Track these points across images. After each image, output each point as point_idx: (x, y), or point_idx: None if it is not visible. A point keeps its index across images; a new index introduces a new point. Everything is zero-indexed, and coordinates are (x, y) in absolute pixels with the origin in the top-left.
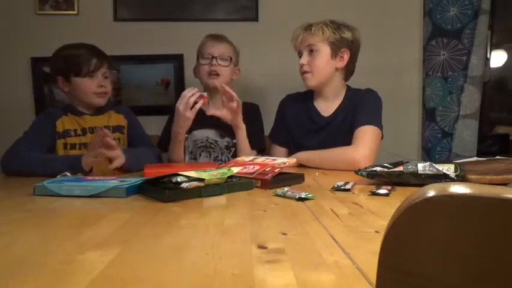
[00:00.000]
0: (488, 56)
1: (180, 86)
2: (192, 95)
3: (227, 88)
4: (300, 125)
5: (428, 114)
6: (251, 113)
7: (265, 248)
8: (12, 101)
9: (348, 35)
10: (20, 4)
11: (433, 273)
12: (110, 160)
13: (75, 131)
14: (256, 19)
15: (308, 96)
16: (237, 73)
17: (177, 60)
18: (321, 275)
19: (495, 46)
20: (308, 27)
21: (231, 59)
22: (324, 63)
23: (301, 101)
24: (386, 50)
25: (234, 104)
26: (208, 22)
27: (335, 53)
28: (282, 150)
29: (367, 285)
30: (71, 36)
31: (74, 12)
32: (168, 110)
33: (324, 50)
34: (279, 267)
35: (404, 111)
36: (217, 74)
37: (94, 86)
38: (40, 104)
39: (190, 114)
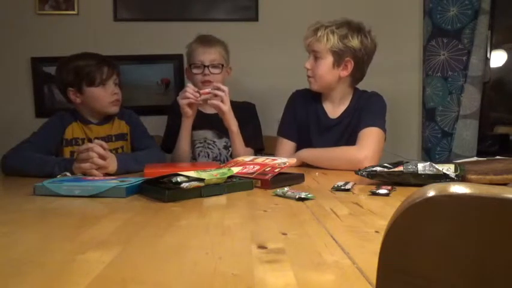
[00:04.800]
0: (488, 56)
1: (180, 86)
2: (193, 92)
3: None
4: (306, 124)
5: (428, 114)
6: (247, 112)
7: (265, 248)
8: (12, 101)
9: (354, 43)
10: (20, 4)
11: (433, 273)
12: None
13: (83, 140)
14: (256, 19)
15: (317, 95)
16: (229, 72)
17: (177, 60)
18: (321, 275)
19: (495, 46)
20: (315, 32)
21: (222, 66)
22: (325, 72)
23: (310, 100)
24: (386, 50)
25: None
26: (208, 22)
27: (338, 62)
28: (293, 145)
29: (367, 285)
30: (71, 36)
31: (74, 12)
32: (169, 110)
33: (327, 59)
34: (279, 267)
35: (404, 111)
36: (210, 82)
37: (108, 95)
38: (40, 104)
39: (184, 102)
